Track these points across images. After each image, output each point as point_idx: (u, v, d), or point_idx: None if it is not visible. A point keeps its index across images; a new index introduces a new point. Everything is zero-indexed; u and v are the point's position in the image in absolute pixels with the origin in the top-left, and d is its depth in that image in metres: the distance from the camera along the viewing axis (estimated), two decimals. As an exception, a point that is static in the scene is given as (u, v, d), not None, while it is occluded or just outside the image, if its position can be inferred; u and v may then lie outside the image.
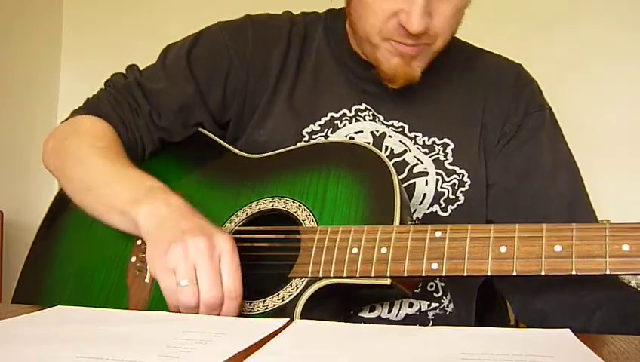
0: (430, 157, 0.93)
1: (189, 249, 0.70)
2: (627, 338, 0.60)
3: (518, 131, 0.95)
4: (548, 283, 0.85)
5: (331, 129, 0.95)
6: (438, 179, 0.93)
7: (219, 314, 0.72)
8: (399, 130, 0.95)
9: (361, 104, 0.96)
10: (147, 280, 0.85)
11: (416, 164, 0.93)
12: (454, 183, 0.93)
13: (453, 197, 0.93)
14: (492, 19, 1.96)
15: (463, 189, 0.93)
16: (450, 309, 0.93)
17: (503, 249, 0.70)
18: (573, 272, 0.67)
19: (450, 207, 0.93)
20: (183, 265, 0.70)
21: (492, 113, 0.96)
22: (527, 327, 0.93)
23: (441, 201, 0.92)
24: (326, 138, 0.94)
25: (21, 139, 2.21)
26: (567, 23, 2.05)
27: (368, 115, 0.96)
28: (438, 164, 0.93)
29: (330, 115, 0.96)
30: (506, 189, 0.94)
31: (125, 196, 0.81)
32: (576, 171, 0.95)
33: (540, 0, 2.08)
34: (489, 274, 0.70)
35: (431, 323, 0.91)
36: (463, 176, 0.93)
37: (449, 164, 0.93)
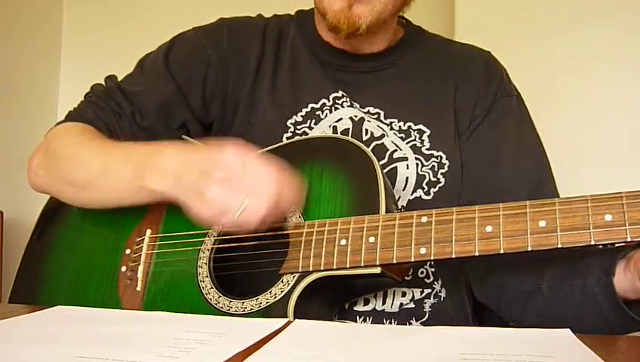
0: (407, 143, 0.95)
1: (218, 187, 0.73)
2: (627, 338, 0.61)
3: (487, 115, 0.98)
4: (499, 258, 0.88)
5: (314, 120, 0.97)
6: (417, 164, 0.94)
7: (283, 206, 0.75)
8: (375, 116, 0.97)
9: (338, 91, 0.98)
10: (139, 288, 0.85)
11: (395, 150, 0.94)
12: (433, 166, 0.94)
13: (435, 179, 0.94)
14: (492, 23, 1.97)
15: (442, 171, 0.95)
16: (443, 295, 0.94)
17: (488, 228, 0.71)
18: (559, 246, 0.68)
19: (432, 190, 0.94)
20: (226, 197, 0.73)
21: (463, 98, 0.99)
22: (488, 305, 0.96)
23: (424, 185, 0.94)
24: (310, 128, 0.96)
25: (21, 140, 2.20)
26: (567, 25, 2.05)
27: (346, 101, 0.98)
28: (416, 150, 0.95)
29: (310, 105, 0.98)
30: (475, 177, 0.96)
31: (127, 175, 0.83)
32: (541, 156, 0.97)
33: (540, 3, 2.08)
34: (477, 254, 0.71)
35: (427, 316, 0.91)
36: (441, 158, 0.95)
37: (426, 149, 0.95)
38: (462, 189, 0.97)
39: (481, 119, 0.98)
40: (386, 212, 0.77)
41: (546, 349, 0.54)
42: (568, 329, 0.61)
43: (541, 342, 0.58)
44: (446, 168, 0.95)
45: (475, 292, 0.97)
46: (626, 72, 2.01)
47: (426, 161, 0.94)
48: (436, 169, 0.94)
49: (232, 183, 0.73)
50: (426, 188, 0.94)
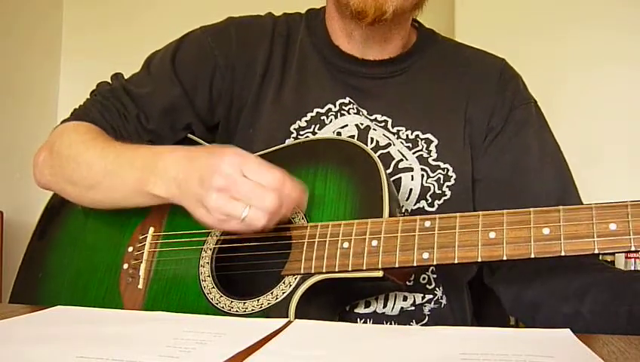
0: (414, 153, 0.94)
1: (217, 196, 0.73)
2: (627, 338, 0.61)
3: (505, 125, 0.96)
4: (536, 274, 0.87)
5: (318, 125, 0.96)
6: (423, 175, 0.93)
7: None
8: (382, 124, 0.96)
9: (345, 98, 0.97)
10: (140, 286, 0.85)
11: (401, 159, 0.93)
12: (439, 178, 0.93)
13: (440, 191, 0.93)
14: (492, 23, 1.97)
15: (448, 184, 0.94)
16: (444, 301, 0.94)
17: (492, 234, 0.71)
18: (563, 254, 0.67)
19: (436, 202, 0.93)
20: (226, 206, 0.73)
21: (477, 109, 0.97)
22: (521, 321, 0.94)
23: (428, 197, 0.93)
24: (314, 134, 0.95)
25: (21, 140, 2.21)
26: (567, 25, 2.05)
27: (352, 109, 0.96)
28: (422, 160, 0.94)
29: (316, 110, 0.97)
30: (496, 181, 0.95)
31: (132, 179, 0.83)
32: (563, 164, 0.96)
33: (540, 3, 2.08)
34: (480, 260, 0.70)
35: (427, 319, 0.91)
36: (448, 170, 0.94)
37: (433, 160, 0.94)
38: (481, 200, 0.95)
39: (499, 129, 0.96)
40: (390, 216, 0.77)
41: (546, 349, 0.54)
42: (568, 329, 0.61)
43: (541, 342, 0.58)
44: (452, 181, 0.94)
45: (506, 305, 0.94)
46: (626, 73, 2.01)
47: (432, 172, 0.93)
48: (442, 181, 0.93)
49: (231, 191, 0.73)
50: (430, 200, 0.93)
